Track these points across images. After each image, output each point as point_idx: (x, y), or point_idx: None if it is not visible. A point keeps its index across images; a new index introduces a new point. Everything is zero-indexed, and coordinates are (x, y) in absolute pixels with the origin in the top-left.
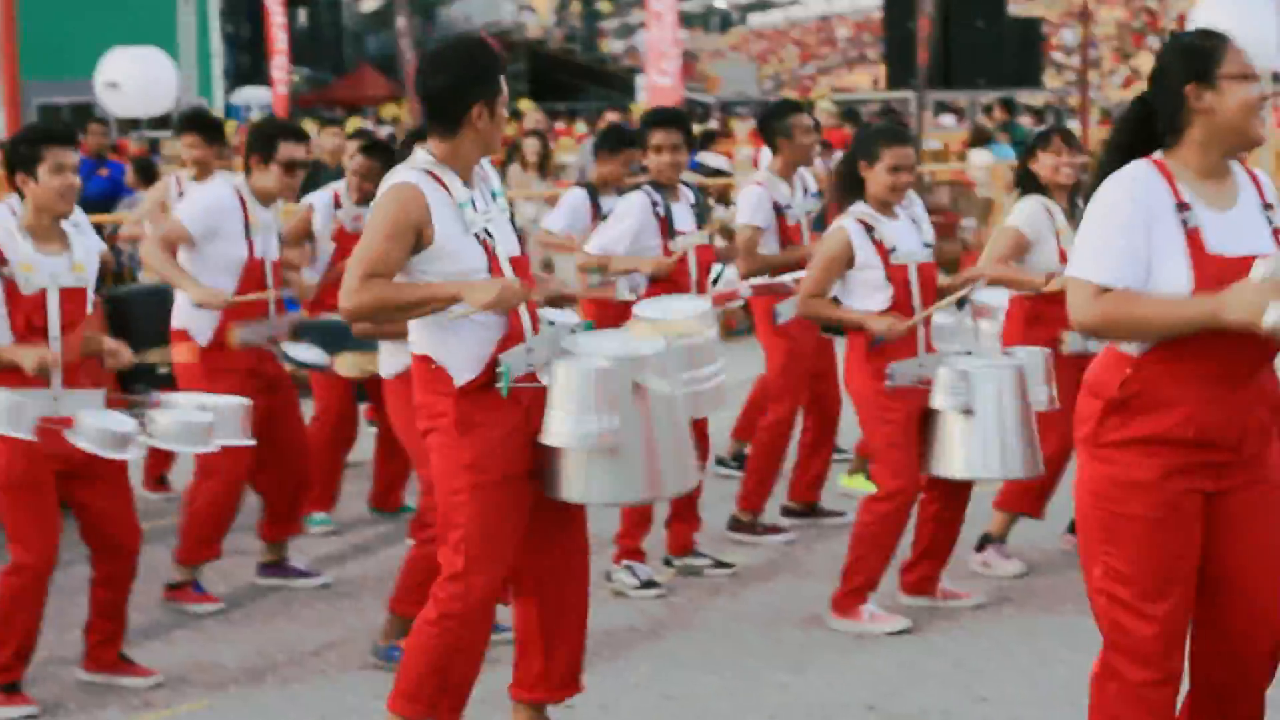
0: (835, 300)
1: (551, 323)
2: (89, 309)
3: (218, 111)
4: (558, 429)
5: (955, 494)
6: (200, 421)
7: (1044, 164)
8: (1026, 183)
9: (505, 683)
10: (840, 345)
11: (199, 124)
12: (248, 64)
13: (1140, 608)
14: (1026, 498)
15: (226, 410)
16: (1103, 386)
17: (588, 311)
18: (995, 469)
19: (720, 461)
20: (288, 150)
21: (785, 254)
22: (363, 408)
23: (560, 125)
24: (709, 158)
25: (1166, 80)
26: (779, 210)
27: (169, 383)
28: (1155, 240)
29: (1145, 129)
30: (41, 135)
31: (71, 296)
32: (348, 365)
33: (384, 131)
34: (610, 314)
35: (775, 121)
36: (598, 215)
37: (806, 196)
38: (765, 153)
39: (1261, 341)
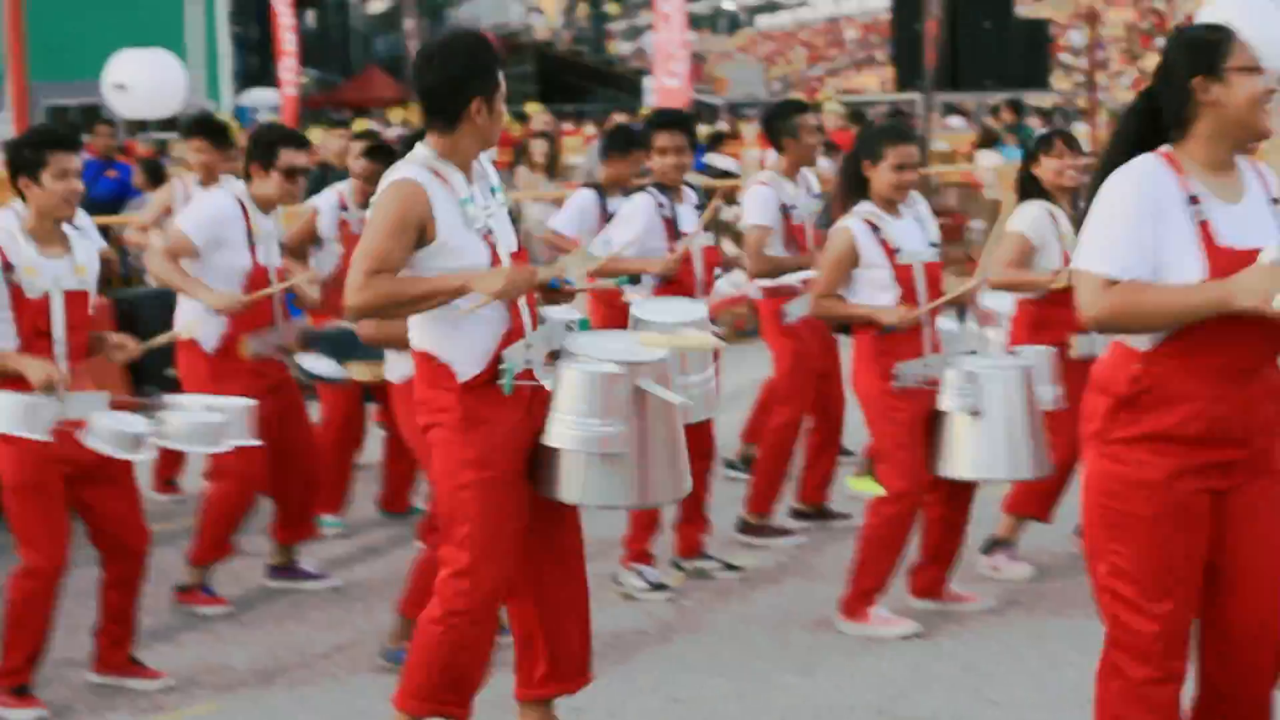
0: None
1: (544, 319)
2: (91, 311)
3: (226, 113)
4: (562, 430)
5: (959, 496)
6: (212, 422)
7: (1047, 168)
8: (1029, 187)
9: (513, 685)
10: (845, 345)
11: (207, 128)
12: (256, 66)
13: (1143, 606)
14: (1034, 501)
15: (235, 411)
16: (1111, 383)
17: (595, 310)
18: (1003, 470)
19: (729, 465)
20: (288, 157)
21: (794, 259)
22: (370, 409)
23: (568, 127)
24: (717, 159)
25: (1173, 74)
26: (784, 210)
27: (178, 387)
28: (1165, 234)
29: (1150, 123)
30: (45, 139)
31: (74, 299)
32: (359, 371)
33: (392, 133)
34: (617, 312)
35: (781, 121)
36: (605, 216)
37: (809, 196)
38: (772, 154)
39: (1269, 333)
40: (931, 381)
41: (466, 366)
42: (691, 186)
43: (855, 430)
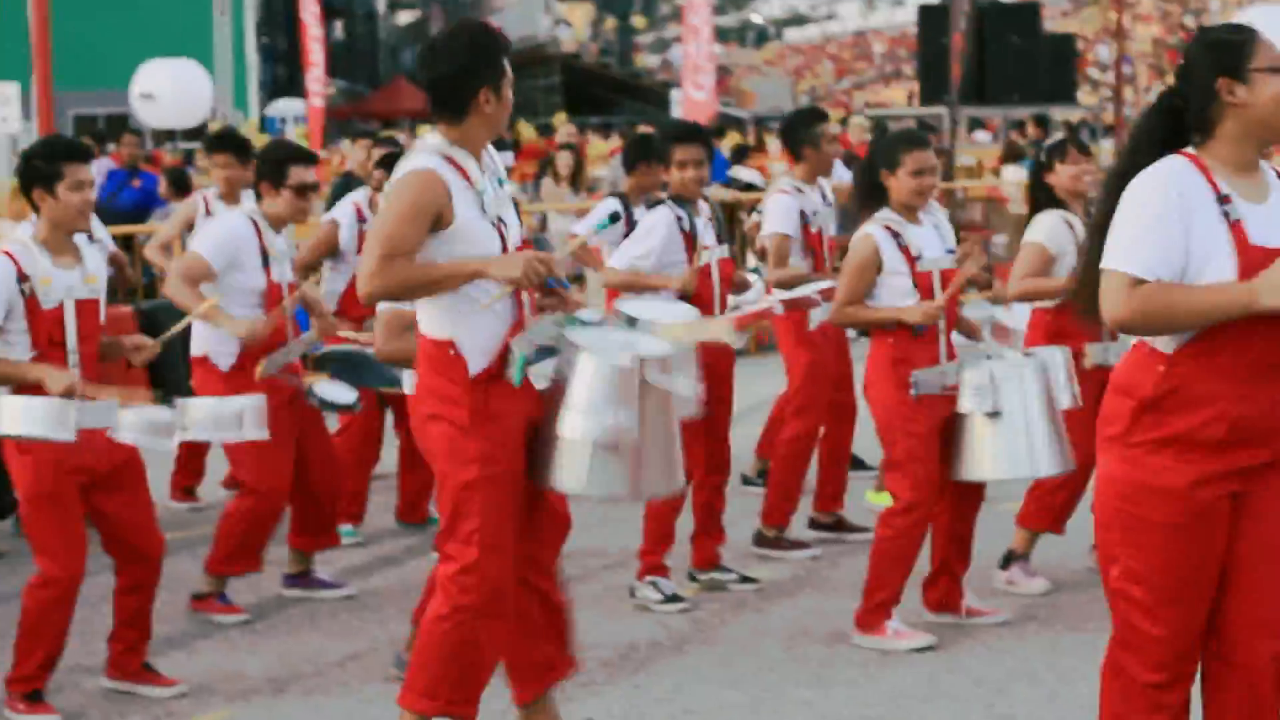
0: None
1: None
2: (102, 319)
3: (254, 124)
4: (573, 420)
5: (964, 506)
6: (231, 409)
7: (1063, 174)
8: (1041, 197)
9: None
10: (858, 352)
11: (231, 143)
12: (284, 76)
13: (1153, 609)
14: (1048, 514)
15: (250, 407)
16: (1135, 386)
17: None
18: (1024, 468)
19: (745, 479)
20: (298, 174)
21: (814, 275)
22: (388, 419)
23: (594, 139)
24: (742, 172)
25: (1196, 75)
26: (804, 218)
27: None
28: (1196, 235)
29: (1171, 124)
30: (59, 152)
31: (85, 308)
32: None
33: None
34: None
35: (802, 130)
36: (630, 225)
37: (825, 205)
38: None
39: None
40: (949, 388)
41: (477, 358)
42: (706, 200)
43: (873, 444)
